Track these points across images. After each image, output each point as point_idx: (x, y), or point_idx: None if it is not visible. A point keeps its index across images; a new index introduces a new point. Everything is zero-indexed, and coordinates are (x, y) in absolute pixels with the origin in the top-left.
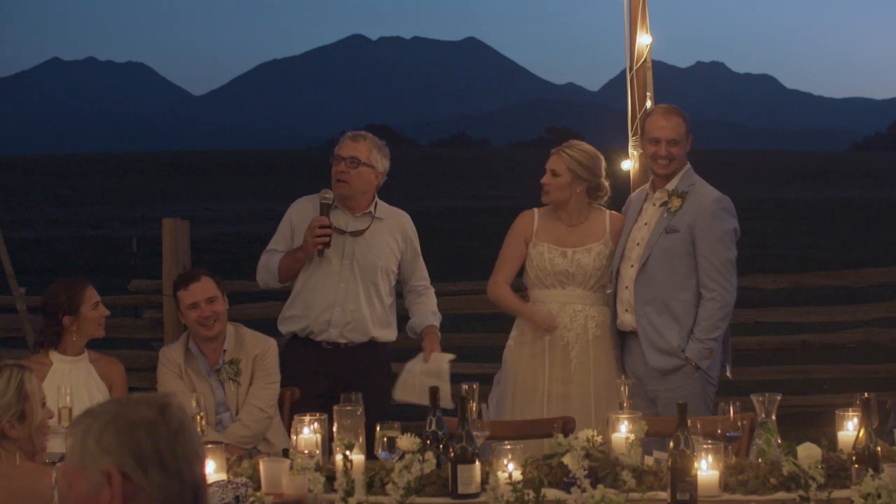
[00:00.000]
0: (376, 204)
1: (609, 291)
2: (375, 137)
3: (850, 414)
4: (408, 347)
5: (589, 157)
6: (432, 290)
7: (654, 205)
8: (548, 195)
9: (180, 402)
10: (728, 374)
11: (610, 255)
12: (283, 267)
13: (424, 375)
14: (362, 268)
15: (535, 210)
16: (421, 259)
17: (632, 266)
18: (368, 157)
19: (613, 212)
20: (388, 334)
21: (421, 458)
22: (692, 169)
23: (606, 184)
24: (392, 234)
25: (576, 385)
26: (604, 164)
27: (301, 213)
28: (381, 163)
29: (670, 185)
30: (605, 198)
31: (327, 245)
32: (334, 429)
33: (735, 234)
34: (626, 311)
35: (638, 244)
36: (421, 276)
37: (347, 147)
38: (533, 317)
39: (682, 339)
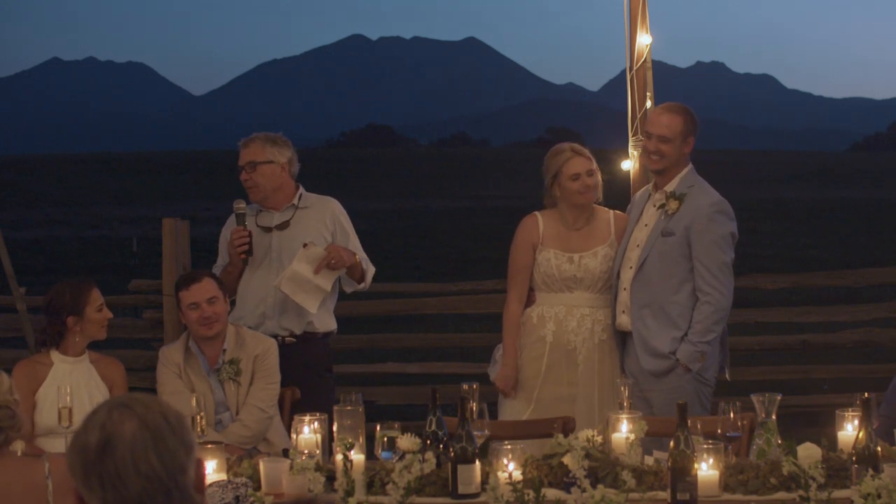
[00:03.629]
0: (301, 195)
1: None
2: (267, 133)
3: (850, 414)
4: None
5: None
6: (372, 267)
7: (654, 206)
8: (591, 193)
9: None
10: (727, 376)
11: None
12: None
13: (303, 261)
14: (291, 257)
15: (538, 214)
16: (354, 240)
17: (630, 268)
18: (263, 154)
19: (618, 212)
20: (328, 322)
21: (421, 458)
22: (694, 170)
23: None
24: (320, 219)
25: (583, 387)
26: None
27: (227, 228)
28: (282, 154)
29: (669, 187)
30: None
31: (249, 252)
32: (334, 429)
33: (732, 237)
34: (623, 312)
35: (638, 246)
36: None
37: (241, 156)
38: (502, 369)
39: (676, 343)
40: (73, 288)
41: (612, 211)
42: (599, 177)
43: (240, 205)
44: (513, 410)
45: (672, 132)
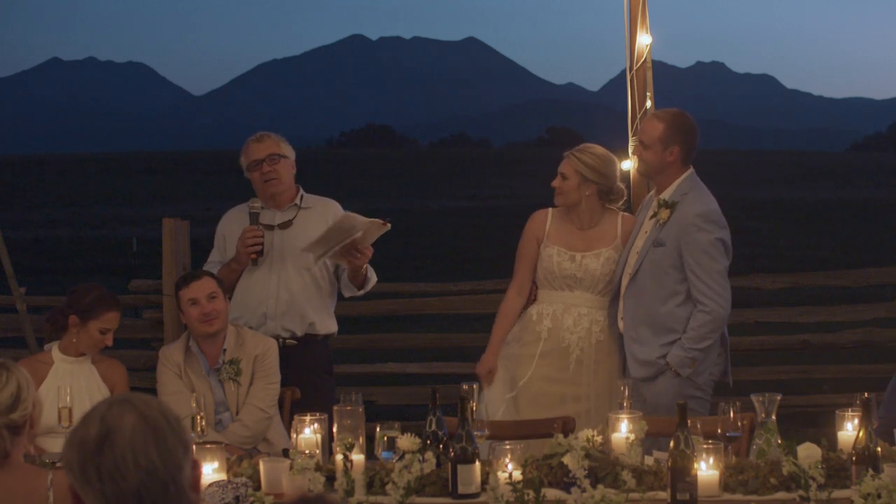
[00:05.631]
0: (302, 196)
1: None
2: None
3: (850, 414)
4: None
5: (598, 160)
6: (375, 276)
7: (651, 212)
8: (558, 197)
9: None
10: (729, 382)
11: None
12: (222, 278)
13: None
14: (293, 256)
15: (550, 210)
16: None
17: (628, 275)
18: (280, 149)
19: (627, 214)
20: (328, 324)
21: (421, 458)
22: (693, 176)
23: (621, 186)
24: (322, 219)
25: (577, 387)
26: (618, 167)
27: (230, 224)
28: (291, 152)
29: (665, 194)
30: (622, 201)
31: (260, 253)
32: (334, 429)
33: (722, 244)
34: (622, 318)
35: (636, 253)
36: None
37: (259, 149)
38: (483, 357)
39: (667, 348)
40: (99, 297)
41: (621, 213)
42: (574, 180)
43: (255, 204)
44: (492, 395)
45: (648, 138)
